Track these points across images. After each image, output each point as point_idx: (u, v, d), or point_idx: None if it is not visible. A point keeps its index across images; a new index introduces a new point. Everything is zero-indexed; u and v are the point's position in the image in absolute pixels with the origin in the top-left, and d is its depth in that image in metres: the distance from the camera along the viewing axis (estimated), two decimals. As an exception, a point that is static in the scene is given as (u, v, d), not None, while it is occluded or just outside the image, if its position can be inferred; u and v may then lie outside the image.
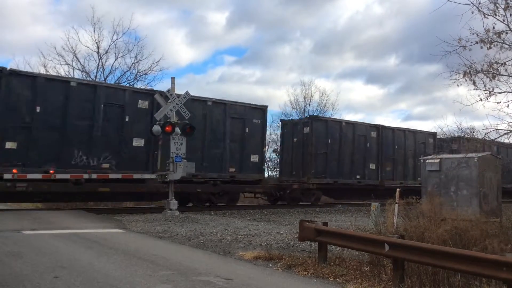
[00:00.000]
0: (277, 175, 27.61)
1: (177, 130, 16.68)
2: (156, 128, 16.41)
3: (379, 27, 75.20)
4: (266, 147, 24.42)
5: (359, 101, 71.89)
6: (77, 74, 28.66)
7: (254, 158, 21.18)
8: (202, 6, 76.03)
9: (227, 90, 67.06)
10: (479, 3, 9.32)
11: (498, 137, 11.07)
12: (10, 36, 54.51)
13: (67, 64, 28.36)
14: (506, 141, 12.57)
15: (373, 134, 25.43)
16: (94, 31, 28.81)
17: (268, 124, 24.74)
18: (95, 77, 28.59)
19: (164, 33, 70.00)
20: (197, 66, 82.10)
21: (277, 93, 75.73)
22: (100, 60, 29.00)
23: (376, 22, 75.19)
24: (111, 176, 17.19)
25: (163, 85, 42.94)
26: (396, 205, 11.60)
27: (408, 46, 72.86)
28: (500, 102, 9.67)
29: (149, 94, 18.53)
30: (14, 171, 15.12)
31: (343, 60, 74.38)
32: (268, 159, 33.36)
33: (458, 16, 9.23)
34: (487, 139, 10.95)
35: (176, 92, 17.03)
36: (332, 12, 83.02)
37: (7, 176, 14.98)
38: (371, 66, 75.05)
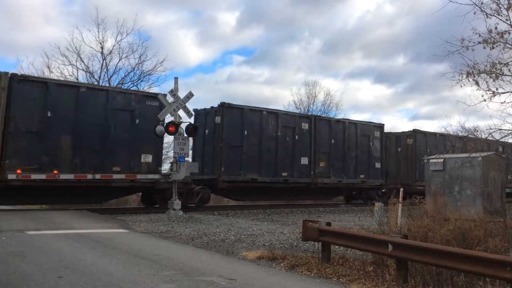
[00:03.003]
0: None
1: (181, 130, 16.75)
2: (160, 128, 16.46)
3: (389, 27, 75.21)
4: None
5: (367, 101, 71.96)
6: (81, 75, 28.75)
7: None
8: (213, 6, 76.28)
9: (235, 90, 67.19)
10: (482, 3, 9.28)
11: (502, 137, 11.04)
12: (22, 37, 54.72)
13: (71, 64, 28.42)
14: (510, 141, 12.54)
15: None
16: (98, 31, 28.87)
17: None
18: (99, 77, 28.68)
19: (175, 33, 70.32)
20: (206, 66, 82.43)
21: (285, 93, 76.08)
22: (104, 61, 29.06)
23: (387, 21, 75.20)
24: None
25: (169, 85, 42.98)
26: (400, 204, 11.59)
27: (417, 45, 72.81)
28: (504, 102, 9.65)
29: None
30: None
31: (352, 59, 74.52)
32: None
33: (464, 16, 9.21)
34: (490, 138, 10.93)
35: (180, 92, 17.06)
36: (343, 12, 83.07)
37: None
38: (380, 65, 75.11)
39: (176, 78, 17.39)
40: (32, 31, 58.14)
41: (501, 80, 9.53)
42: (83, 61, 28.71)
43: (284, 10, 75.11)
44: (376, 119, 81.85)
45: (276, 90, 71.74)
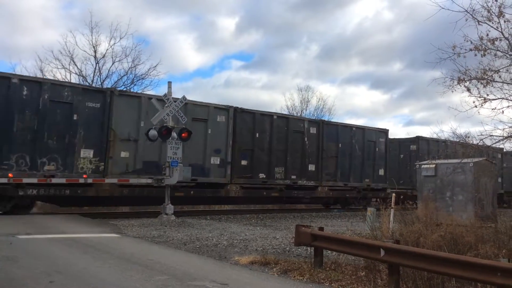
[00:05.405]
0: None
1: (174, 134, 16.72)
2: (153, 132, 16.42)
3: (387, 33, 75.52)
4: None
5: (363, 106, 72.27)
6: (74, 78, 28.66)
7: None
8: (213, 11, 76.02)
9: (232, 94, 67.09)
10: (473, 10, 9.38)
11: (493, 143, 11.13)
12: (21, 40, 54.16)
13: (64, 68, 28.34)
14: (501, 147, 12.64)
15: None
16: (92, 35, 28.83)
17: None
18: (92, 81, 28.61)
19: (174, 38, 70.10)
20: (204, 71, 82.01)
21: (282, 98, 76.29)
22: (97, 64, 29.00)
23: (384, 28, 75.47)
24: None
25: (165, 89, 42.90)
26: (392, 210, 11.64)
27: (413, 51, 73.11)
28: (495, 109, 9.74)
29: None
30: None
31: (349, 65, 74.73)
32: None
33: (456, 23, 9.30)
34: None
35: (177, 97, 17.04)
36: (342, 18, 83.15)
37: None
38: (377, 71, 75.47)
39: (169, 83, 17.37)
40: (31, 34, 57.75)
41: (492, 86, 9.63)
42: (76, 65, 28.67)
43: (283, 16, 75.26)
44: (371, 125, 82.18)
45: (274, 95, 71.83)
